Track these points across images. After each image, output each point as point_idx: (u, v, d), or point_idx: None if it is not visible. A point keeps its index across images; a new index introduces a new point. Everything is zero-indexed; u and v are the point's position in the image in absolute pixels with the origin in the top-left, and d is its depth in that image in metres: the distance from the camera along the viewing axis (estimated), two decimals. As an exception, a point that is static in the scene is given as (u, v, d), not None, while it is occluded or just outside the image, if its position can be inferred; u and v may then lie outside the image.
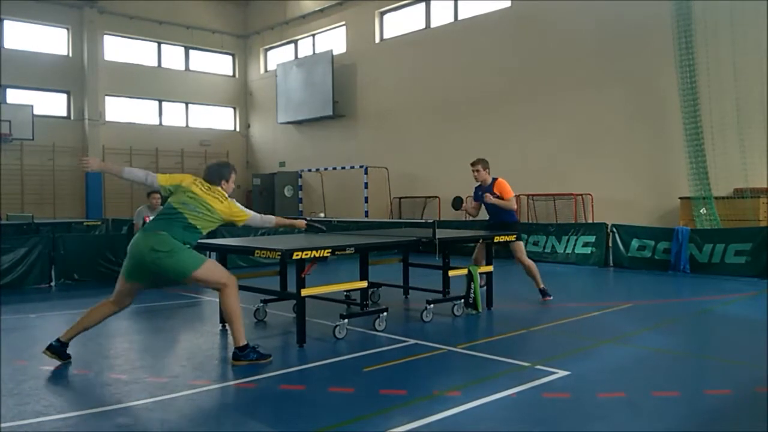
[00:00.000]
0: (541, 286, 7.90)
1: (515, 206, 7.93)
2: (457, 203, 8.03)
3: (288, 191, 22.80)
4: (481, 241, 7.52)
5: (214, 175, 5.34)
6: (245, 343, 5.04)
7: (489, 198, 7.73)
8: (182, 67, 25.27)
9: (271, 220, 5.52)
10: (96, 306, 5.14)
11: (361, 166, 19.93)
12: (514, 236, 7.67)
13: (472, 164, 7.97)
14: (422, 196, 19.12)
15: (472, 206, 8.22)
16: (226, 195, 5.28)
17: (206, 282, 5.07)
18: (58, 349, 5.04)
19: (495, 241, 7.38)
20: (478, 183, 8.03)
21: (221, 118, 26.48)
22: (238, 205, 5.32)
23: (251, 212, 5.37)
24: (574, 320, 6.79)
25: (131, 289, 5.13)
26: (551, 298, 7.85)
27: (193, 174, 5.50)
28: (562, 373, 4.68)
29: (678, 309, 7.72)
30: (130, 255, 5.00)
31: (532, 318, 7.03)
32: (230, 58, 26.68)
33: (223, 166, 5.45)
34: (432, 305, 6.80)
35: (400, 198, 19.83)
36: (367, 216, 19.28)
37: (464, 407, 3.96)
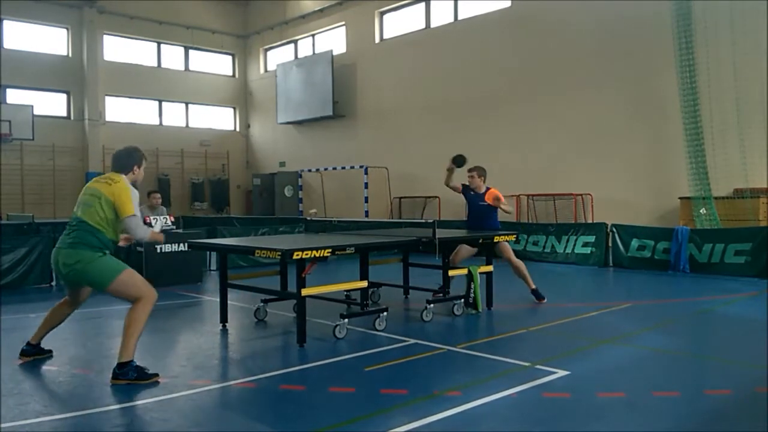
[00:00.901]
0: (533, 287, 7.80)
1: (511, 210, 7.90)
2: (460, 160, 7.83)
3: (288, 191, 22.80)
4: (481, 240, 7.51)
5: (124, 161, 4.91)
6: (130, 360, 4.56)
7: (502, 207, 7.61)
8: (182, 67, 25.27)
9: (148, 232, 4.93)
10: (55, 306, 5.15)
11: (361, 166, 19.94)
12: (514, 236, 7.72)
13: (469, 170, 7.97)
14: (422, 196, 19.12)
15: (453, 184, 8.11)
16: (132, 185, 4.82)
17: (123, 295, 4.71)
18: (31, 351, 5.17)
19: (495, 241, 7.39)
20: (472, 188, 7.99)
21: (221, 118, 26.48)
22: (132, 197, 4.72)
23: (137, 214, 4.75)
24: (573, 320, 6.79)
25: (77, 293, 5.05)
26: (545, 300, 7.78)
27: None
28: (562, 373, 4.68)
29: (678, 309, 7.71)
30: (54, 270, 4.92)
31: (532, 318, 7.03)
32: (230, 58, 26.69)
33: (133, 150, 5.00)
34: (432, 305, 6.81)
35: (400, 198, 19.83)
36: (367, 216, 19.29)
37: (464, 407, 3.96)
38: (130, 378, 4.53)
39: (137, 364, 4.61)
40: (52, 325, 5.19)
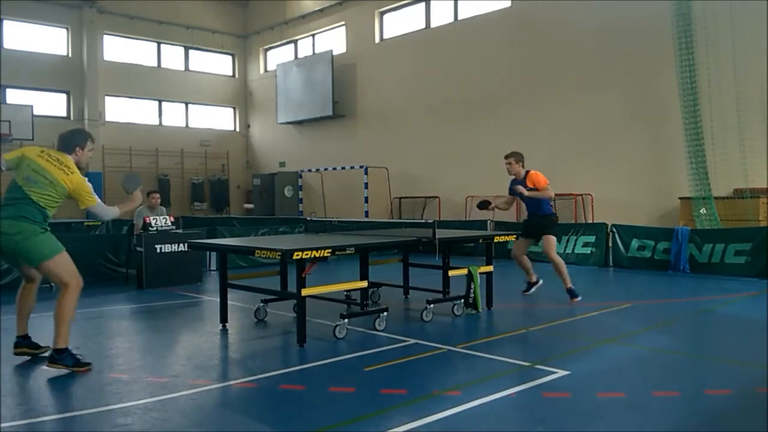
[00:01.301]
0: (569, 285, 7.79)
1: (552, 194, 7.93)
2: (483, 205, 8.05)
3: (288, 191, 22.80)
4: (518, 237, 7.72)
5: (68, 141, 5.05)
6: (66, 347, 4.74)
7: (522, 190, 7.63)
8: (182, 67, 25.28)
9: (116, 211, 5.11)
10: (19, 293, 5.15)
11: (361, 166, 19.94)
12: (514, 236, 7.73)
13: (505, 156, 7.99)
14: (422, 196, 19.12)
15: (504, 201, 8.25)
16: (76, 167, 4.96)
17: (52, 275, 4.78)
18: (22, 343, 5.18)
19: (495, 240, 7.41)
20: (512, 176, 8.02)
21: (221, 118, 26.49)
22: (89, 186, 4.93)
23: (98, 200, 4.98)
24: (573, 320, 6.79)
25: (24, 269, 5.04)
26: (579, 299, 7.74)
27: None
28: (562, 372, 4.68)
29: (678, 309, 7.71)
30: None
31: (532, 318, 7.03)
32: (230, 58, 26.69)
33: (78, 132, 5.21)
34: (432, 305, 6.80)
35: (400, 198, 19.83)
36: (367, 216, 19.29)
37: (464, 407, 3.96)
38: (67, 364, 4.70)
39: (74, 352, 4.77)
40: (25, 309, 5.15)
